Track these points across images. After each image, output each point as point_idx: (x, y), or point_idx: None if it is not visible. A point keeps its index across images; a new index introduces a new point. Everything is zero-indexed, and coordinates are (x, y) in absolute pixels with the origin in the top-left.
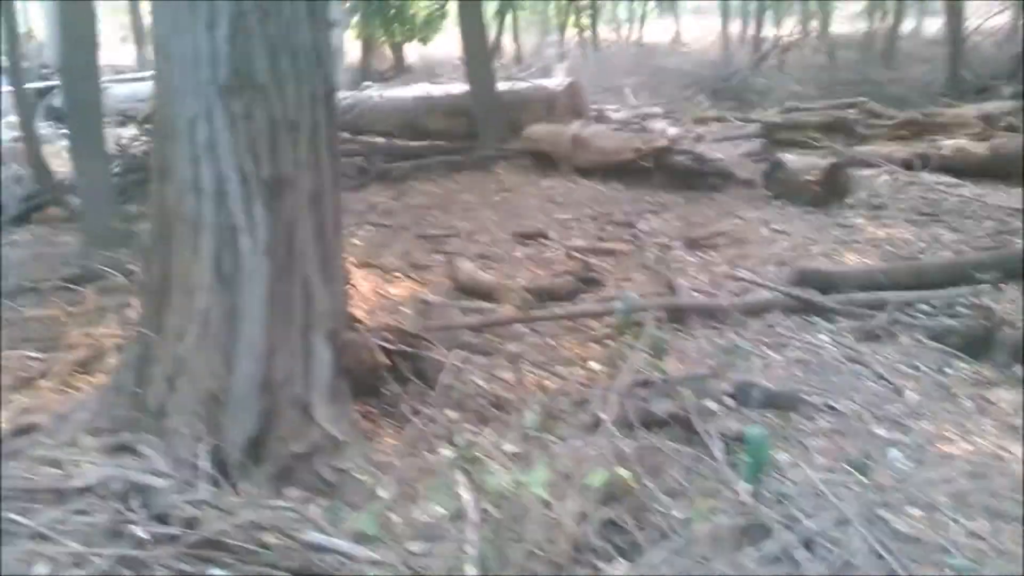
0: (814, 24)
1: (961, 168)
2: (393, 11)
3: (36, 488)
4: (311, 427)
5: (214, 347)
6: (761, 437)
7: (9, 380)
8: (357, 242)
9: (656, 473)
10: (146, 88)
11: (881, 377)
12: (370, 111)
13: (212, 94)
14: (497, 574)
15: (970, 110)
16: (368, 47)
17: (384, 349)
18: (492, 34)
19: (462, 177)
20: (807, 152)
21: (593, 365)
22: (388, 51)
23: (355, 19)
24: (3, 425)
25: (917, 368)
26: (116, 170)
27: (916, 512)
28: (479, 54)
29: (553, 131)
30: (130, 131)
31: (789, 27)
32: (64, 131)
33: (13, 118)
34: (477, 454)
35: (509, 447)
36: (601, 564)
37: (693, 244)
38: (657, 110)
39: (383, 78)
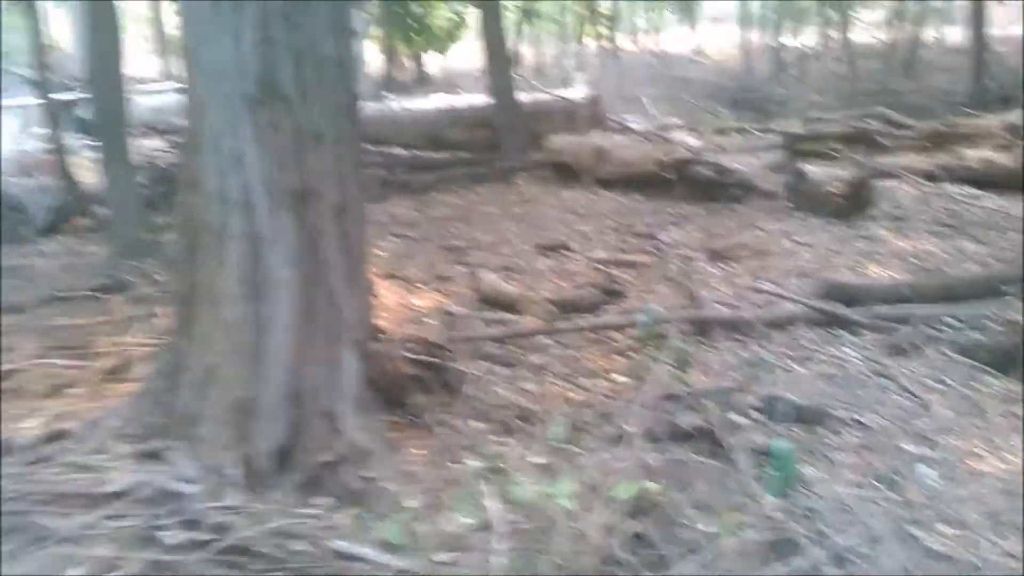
0: (834, 34)
1: (985, 179)
2: (413, 22)
3: (68, 493)
4: (338, 437)
5: (242, 357)
6: (788, 451)
7: (41, 387)
8: (380, 253)
9: (682, 486)
10: (171, 100)
11: (908, 391)
12: (391, 123)
13: (239, 105)
14: None
15: (994, 120)
16: (389, 58)
17: (409, 360)
18: (512, 45)
19: (483, 189)
20: (829, 163)
21: (617, 377)
22: (408, 62)
23: (376, 29)
24: (35, 431)
25: (945, 383)
26: (142, 181)
27: (947, 530)
28: (500, 65)
29: (574, 142)
30: (156, 142)
31: (809, 37)
32: (90, 142)
33: (40, 130)
34: (503, 465)
35: (534, 458)
36: None
37: (715, 256)
38: (677, 121)
39: (403, 89)
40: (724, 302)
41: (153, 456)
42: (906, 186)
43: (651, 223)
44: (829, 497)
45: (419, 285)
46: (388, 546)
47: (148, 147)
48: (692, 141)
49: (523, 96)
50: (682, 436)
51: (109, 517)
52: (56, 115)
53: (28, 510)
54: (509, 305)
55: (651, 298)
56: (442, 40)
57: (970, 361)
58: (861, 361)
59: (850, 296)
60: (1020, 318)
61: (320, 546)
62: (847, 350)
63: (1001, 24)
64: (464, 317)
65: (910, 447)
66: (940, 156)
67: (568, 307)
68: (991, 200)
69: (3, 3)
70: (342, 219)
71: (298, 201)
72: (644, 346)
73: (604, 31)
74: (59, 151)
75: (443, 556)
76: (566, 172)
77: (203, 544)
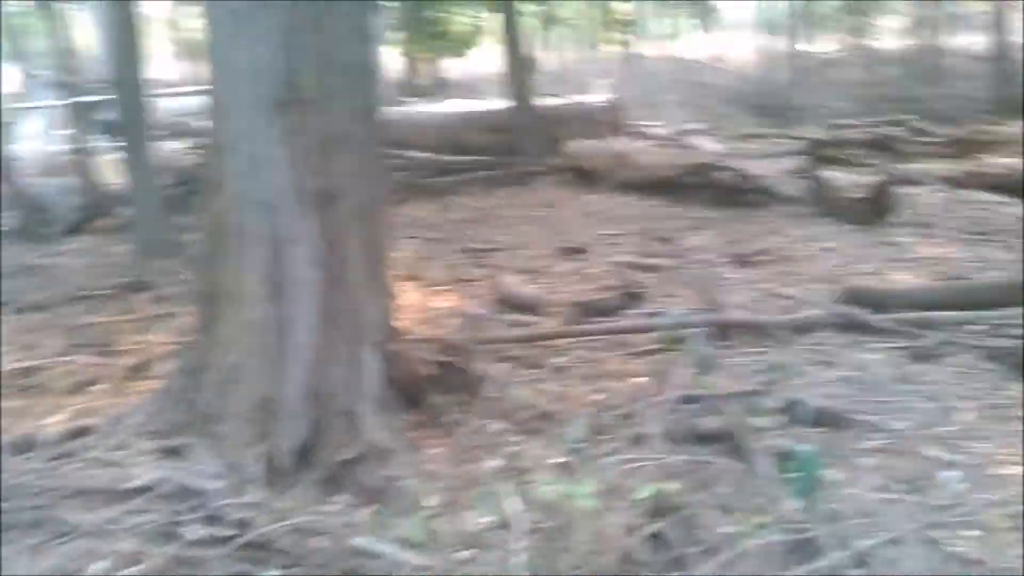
0: (856, 40)
1: (1008, 186)
2: (432, 27)
3: (92, 488)
4: (358, 435)
5: (265, 356)
6: (811, 454)
7: (65, 384)
8: (401, 255)
9: (704, 488)
10: (194, 102)
11: (933, 397)
12: (411, 127)
13: (263, 108)
14: None
15: (1017, 127)
16: (409, 63)
17: (429, 361)
18: (531, 50)
19: (503, 192)
20: (851, 170)
21: (638, 380)
22: (427, 67)
23: (395, 34)
24: (60, 427)
25: (970, 389)
26: (164, 182)
27: (972, 534)
28: (519, 70)
29: (594, 147)
30: (177, 144)
31: (830, 43)
32: (113, 144)
33: (64, 131)
34: (522, 465)
35: (554, 459)
36: None
37: (737, 260)
38: (698, 126)
39: (422, 93)
40: (746, 307)
41: (175, 453)
42: (929, 192)
43: (672, 228)
44: (851, 500)
45: (439, 287)
46: (408, 543)
47: (170, 149)
48: (713, 146)
49: (542, 101)
50: (703, 438)
51: (132, 512)
52: (80, 117)
53: (52, 504)
54: (529, 307)
55: (672, 302)
56: (460, 45)
57: (994, 367)
58: (884, 366)
59: (873, 301)
60: None
61: (340, 543)
62: (870, 355)
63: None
64: (484, 319)
65: (934, 452)
66: (963, 163)
67: (589, 310)
68: (1014, 207)
69: (28, 6)
70: (364, 221)
71: (321, 203)
72: (666, 349)
73: (623, 37)
74: (83, 152)
75: (463, 554)
76: (586, 177)
77: (224, 540)
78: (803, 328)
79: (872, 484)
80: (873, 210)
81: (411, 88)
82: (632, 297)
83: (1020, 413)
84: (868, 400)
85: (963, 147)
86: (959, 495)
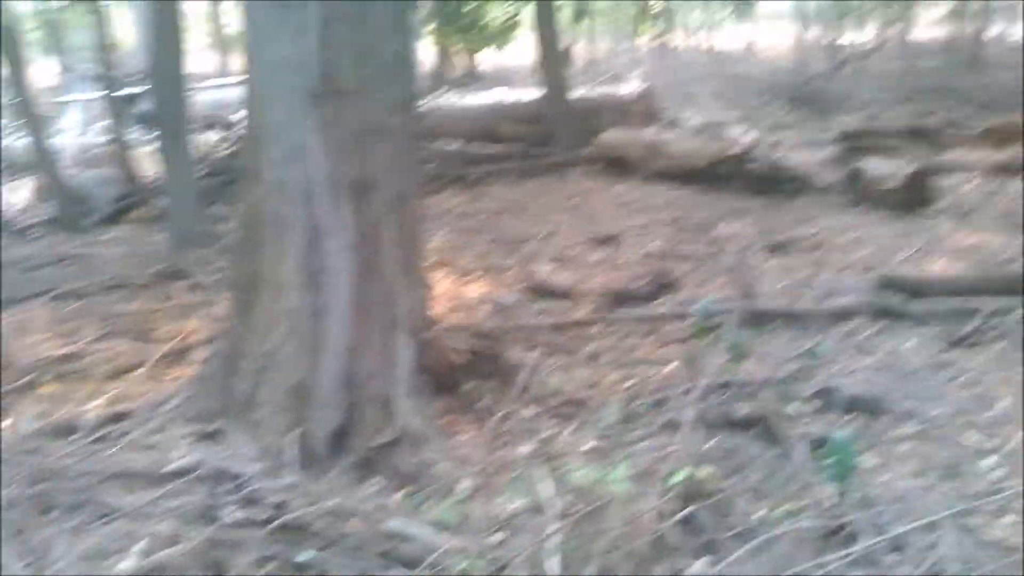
0: (895, 29)
1: None
2: (467, 19)
3: (131, 471)
4: (392, 421)
5: (301, 343)
6: (846, 441)
7: (103, 370)
8: (434, 245)
9: (736, 474)
10: (230, 94)
11: (969, 384)
12: (444, 118)
13: (301, 100)
14: (578, 571)
15: None
16: (443, 54)
17: (462, 348)
18: (566, 41)
19: (536, 182)
20: (888, 159)
21: (671, 367)
22: (461, 58)
23: (430, 27)
24: (99, 412)
25: (1007, 376)
26: (201, 173)
27: (1008, 520)
28: (552, 61)
29: (627, 137)
30: (215, 136)
31: (869, 32)
32: (151, 136)
33: (103, 123)
34: (555, 450)
35: (587, 444)
36: (682, 562)
37: (772, 249)
38: (732, 116)
39: (456, 85)
40: (781, 295)
41: (212, 437)
42: (966, 181)
43: (706, 217)
44: (886, 487)
45: (473, 276)
46: (441, 526)
47: (207, 140)
48: (748, 136)
49: (576, 91)
50: (737, 424)
51: (170, 495)
52: (118, 109)
53: (93, 487)
54: (562, 295)
55: (706, 290)
56: (495, 37)
57: None
58: (920, 353)
59: (911, 289)
60: None
61: (374, 526)
62: (908, 343)
63: None
64: (517, 307)
65: (972, 440)
66: (1001, 152)
67: (622, 298)
68: None
69: (68, 2)
70: (399, 210)
71: (357, 193)
72: (699, 337)
73: (657, 27)
74: (120, 144)
75: (495, 537)
76: (619, 167)
77: (261, 522)
78: (838, 316)
79: (907, 471)
80: (910, 199)
81: (445, 79)
82: (664, 285)
83: None
84: (903, 387)
85: (1001, 136)
86: (995, 482)
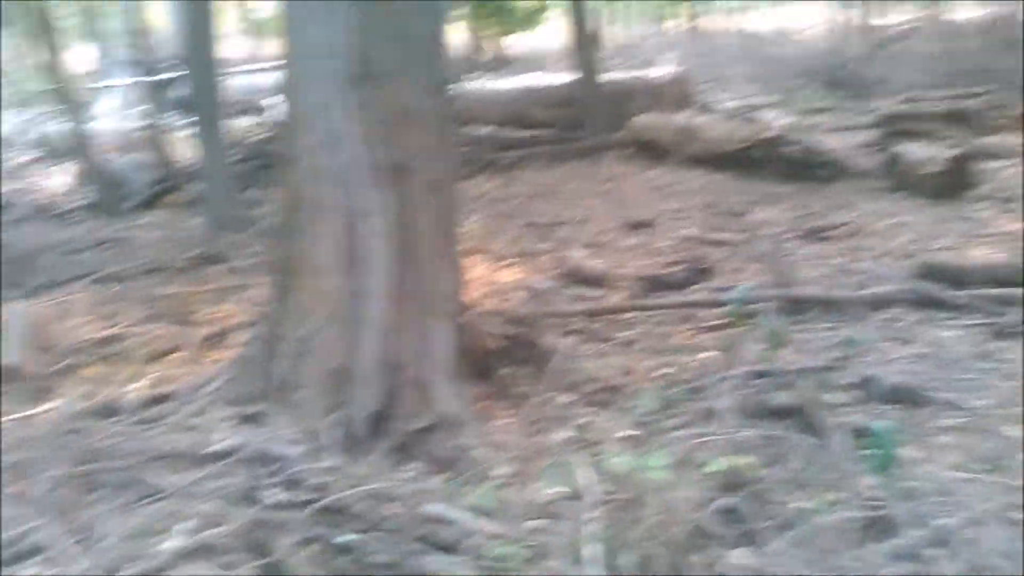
0: (933, 9)
1: None
2: (497, 3)
3: (174, 452)
4: (430, 405)
5: (339, 326)
6: (888, 431)
7: (143, 353)
8: (467, 230)
9: (776, 463)
10: (263, 80)
11: (1013, 375)
12: (476, 102)
13: (338, 84)
14: (615, 559)
15: None
16: (474, 38)
17: (497, 334)
18: (597, 24)
19: (568, 167)
20: (927, 143)
21: (707, 355)
22: (491, 42)
23: (461, 10)
24: (141, 394)
25: None
26: (236, 158)
27: None
28: (584, 45)
29: (660, 121)
30: (249, 121)
31: (904, 14)
32: (186, 121)
33: (138, 109)
34: (592, 437)
35: (624, 431)
36: (720, 551)
37: (808, 235)
38: (766, 100)
39: (486, 69)
40: (818, 282)
41: (252, 419)
42: (1008, 166)
43: (740, 202)
44: (928, 479)
45: (505, 261)
46: (479, 511)
47: (241, 125)
48: (782, 120)
49: (608, 75)
50: (775, 413)
51: (213, 476)
52: (153, 95)
53: (138, 467)
54: (596, 281)
55: (741, 276)
56: (526, 21)
57: None
58: (962, 343)
59: (951, 277)
60: None
61: (412, 509)
62: (947, 332)
63: None
64: (551, 292)
65: (1015, 432)
66: None
67: (656, 284)
68: None
69: None
70: (435, 194)
71: (393, 176)
72: (735, 324)
73: (689, 9)
74: (156, 129)
75: (534, 523)
76: (652, 151)
77: (302, 504)
78: (877, 304)
79: (950, 462)
80: (950, 184)
81: (476, 63)
82: (700, 271)
83: None
84: (945, 377)
85: None
86: None
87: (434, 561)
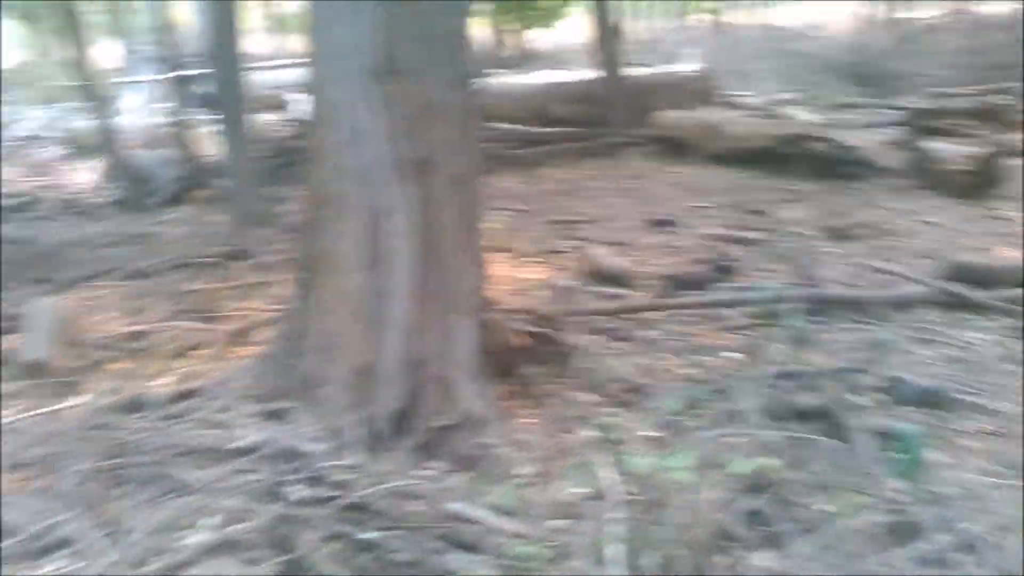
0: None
1: None
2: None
3: (200, 448)
4: (453, 403)
5: (363, 324)
6: (915, 434)
7: (170, 348)
8: (490, 227)
9: (801, 466)
10: (287, 76)
11: None
12: (499, 98)
13: (363, 81)
14: (638, 559)
15: None
16: (497, 34)
17: (520, 332)
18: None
19: (591, 163)
20: (955, 140)
21: (731, 354)
22: (513, 38)
23: (484, 6)
24: (167, 389)
25: None
26: (260, 153)
27: None
28: (607, 40)
29: (683, 117)
30: (273, 117)
31: (930, 9)
32: (210, 117)
33: (163, 105)
34: (615, 436)
35: (647, 432)
36: (743, 552)
37: (833, 234)
38: (791, 96)
39: (510, 65)
40: (843, 281)
41: (277, 416)
42: None
43: (765, 200)
44: (955, 483)
45: (528, 258)
46: (501, 510)
47: (264, 121)
48: (807, 116)
49: (631, 71)
50: (800, 415)
51: (238, 471)
52: (178, 91)
53: (164, 462)
54: (619, 279)
55: (765, 276)
56: (549, 16)
57: None
58: (991, 345)
59: (978, 277)
60: None
61: (435, 507)
62: (975, 334)
63: None
64: (574, 291)
65: None
66: None
67: (679, 283)
68: None
69: None
70: (459, 191)
71: (418, 173)
72: (759, 324)
73: (713, 5)
74: (181, 125)
75: (557, 523)
76: (675, 148)
77: (325, 500)
78: (903, 304)
79: (977, 467)
80: (979, 182)
81: (499, 59)
82: (724, 270)
83: None
84: (971, 380)
85: None
86: None
87: (456, 559)
